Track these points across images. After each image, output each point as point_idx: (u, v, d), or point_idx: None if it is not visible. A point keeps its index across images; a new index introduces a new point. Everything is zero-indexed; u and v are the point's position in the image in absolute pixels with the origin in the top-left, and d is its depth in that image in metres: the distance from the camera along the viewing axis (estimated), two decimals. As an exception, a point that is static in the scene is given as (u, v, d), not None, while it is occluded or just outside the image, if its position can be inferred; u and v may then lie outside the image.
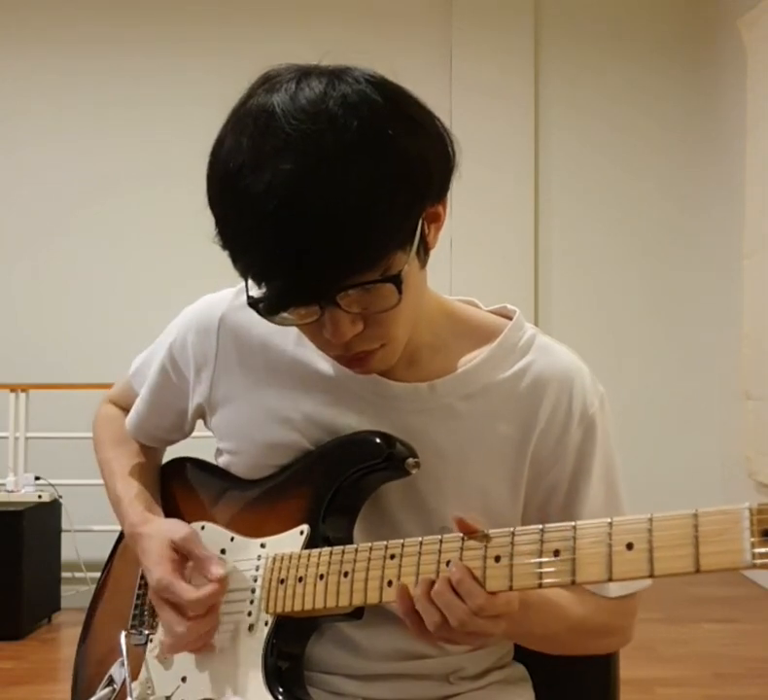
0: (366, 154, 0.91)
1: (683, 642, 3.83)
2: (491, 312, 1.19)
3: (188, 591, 1.10)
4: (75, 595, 4.31)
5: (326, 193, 0.91)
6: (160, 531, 1.17)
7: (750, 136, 4.62)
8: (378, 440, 1.07)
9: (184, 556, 1.14)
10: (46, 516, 4.24)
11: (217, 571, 1.11)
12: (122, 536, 1.35)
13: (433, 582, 0.94)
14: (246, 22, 5.12)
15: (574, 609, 1.09)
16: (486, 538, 0.93)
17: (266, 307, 0.97)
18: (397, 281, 0.96)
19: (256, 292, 0.98)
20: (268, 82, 0.97)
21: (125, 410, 1.33)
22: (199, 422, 1.26)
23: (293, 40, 4.97)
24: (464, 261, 4.75)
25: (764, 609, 4.24)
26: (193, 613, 1.10)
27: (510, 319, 1.16)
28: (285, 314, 0.98)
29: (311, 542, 1.08)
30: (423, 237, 1.00)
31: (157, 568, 1.13)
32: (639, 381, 5.05)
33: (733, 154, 4.85)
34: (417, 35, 5.18)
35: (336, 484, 1.09)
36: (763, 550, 0.74)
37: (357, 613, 1.05)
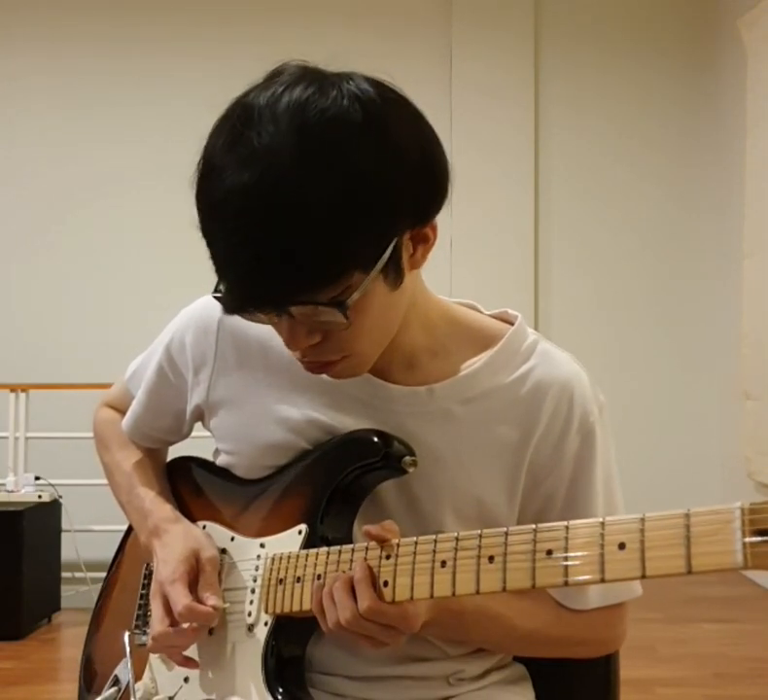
0: (327, 176, 0.91)
1: (683, 642, 3.83)
2: (492, 316, 1.18)
3: (184, 596, 1.10)
4: (75, 595, 4.31)
5: (277, 211, 0.91)
6: (192, 536, 1.17)
7: (750, 136, 4.62)
8: (375, 439, 1.07)
9: (197, 571, 1.14)
10: (46, 516, 4.24)
11: (213, 601, 1.11)
12: (128, 533, 1.36)
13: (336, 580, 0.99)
14: (246, 23, 5.12)
15: (523, 621, 1.11)
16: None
17: (224, 306, 1.00)
18: (342, 307, 0.95)
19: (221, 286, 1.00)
20: (270, 79, 0.98)
21: (123, 414, 1.33)
22: (198, 422, 1.26)
23: (293, 40, 4.98)
24: (464, 261, 4.75)
25: (764, 609, 4.24)
26: (179, 619, 1.10)
27: (512, 324, 1.16)
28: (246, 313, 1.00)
29: (309, 542, 1.08)
30: (396, 259, 0.99)
31: (175, 564, 1.13)
32: (638, 381, 5.05)
33: (733, 154, 4.85)
34: (417, 35, 5.18)
35: (334, 484, 1.09)
36: (754, 551, 0.73)
37: None
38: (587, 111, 5.23)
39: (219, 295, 0.99)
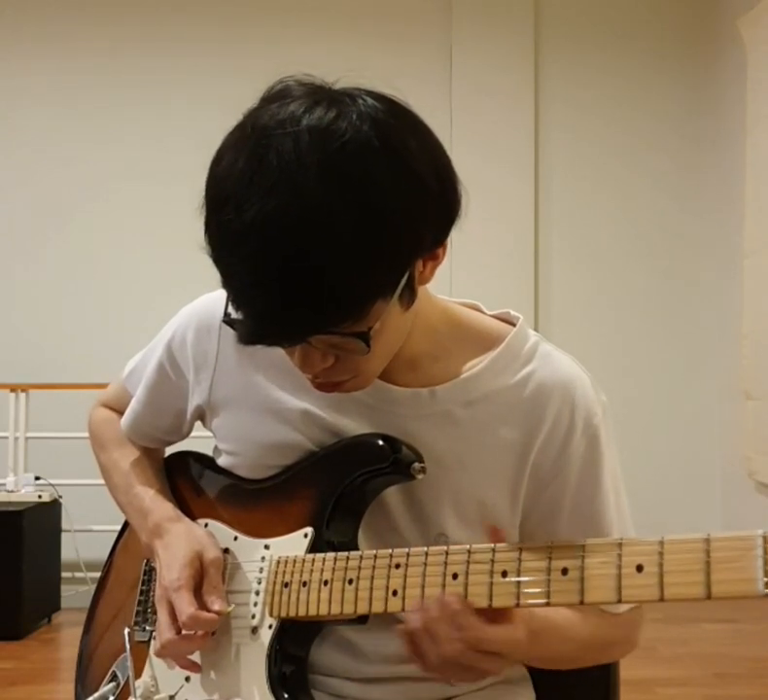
0: (352, 213, 0.89)
1: (683, 642, 3.83)
2: (494, 317, 1.18)
3: (189, 605, 1.09)
4: (75, 595, 4.31)
5: (302, 247, 0.89)
6: (194, 536, 1.16)
7: (749, 136, 4.61)
8: (383, 444, 1.07)
9: (202, 573, 1.13)
10: (46, 516, 4.24)
11: (219, 605, 1.10)
12: (123, 530, 1.35)
13: (428, 611, 0.94)
14: (247, 23, 5.11)
15: (579, 629, 1.09)
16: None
17: (240, 337, 0.98)
18: (365, 337, 0.95)
19: (234, 312, 0.97)
20: (279, 101, 0.95)
21: (120, 413, 1.32)
22: (198, 422, 1.26)
23: (294, 40, 4.98)
24: (464, 260, 4.74)
25: (764, 609, 4.23)
26: (183, 628, 1.09)
27: (514, 325, 1.15)
28: None
29: (315, 546, 1.08)
30: (411, 281, 0.98)
31: (179, 569, 1.12)
32: (638, 381, 5.05)
33: (733, 154, 4.84)
34: (417, 35, 5.17)
35: (341, 487, 1.08)
36: None
37: (362, 619, 1.05)
38: (587, 111, 5.22)
39: (229, 320, 0.97)
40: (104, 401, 1.38)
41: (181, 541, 1.15)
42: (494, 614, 0.93)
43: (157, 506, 1.22)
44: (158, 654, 1.14)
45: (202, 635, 1.10)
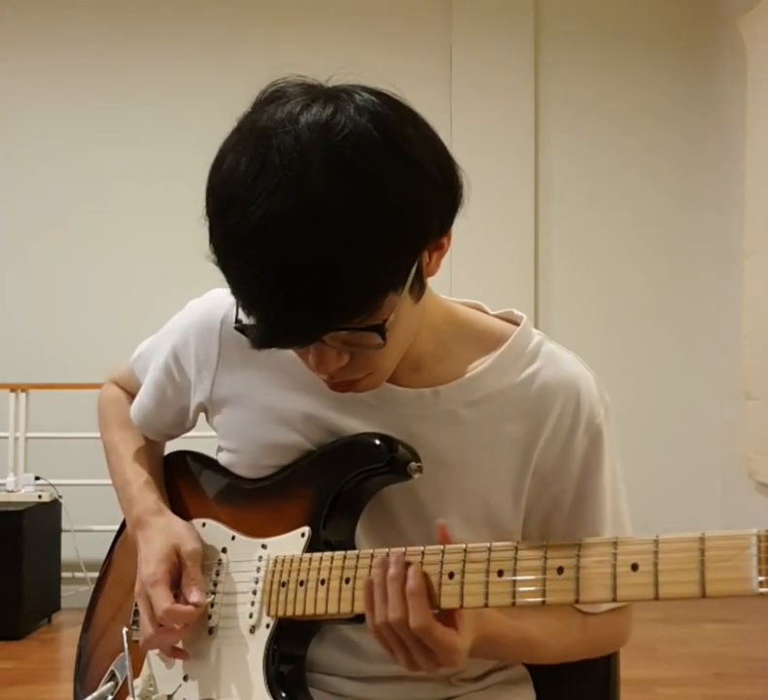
0: (359, 206, 0.89)
1: (683, 642, 3.83)
2: (497, 316, 1.18)
3: (164, 599, 1.10)
4: (75, 595, 4.31)
5: (312, 244, 0.89)
6: (172, 530, 1.17)
7: (749, 136, 4.62)
8: (380, 443, 1.07)
9: (179, 567, 1.14)
10: (46, 516, 4.24)
11: (196, 597, 1.11)
12: (121, 529, 1.36)
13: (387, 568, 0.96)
14: (247, 22, 5.12)
15: (555, 640, 1.11)
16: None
17: (253, 341, 0.97)
18: (380, 330, 0.95)
19: (244, 318, 0.97)
20: (274, 102, 0.95)
21: (128, 393, 1.35)
22: (201, 421, 1.26)
23: (294, 40, 4.98)
24: (464, 260, 4.74)
25: (764, 609, 4.23)
26: (161, 622, 1.10)
27: (517, 324, 1.15)
28: None
29: (312, 545, 1.08)
30: (419, 272, 0.98)
31: (155, 564, 1.13)
32: (639, 381, 5.05)
33: (733, 154, 4.85)
34: (417, 35, 5.17)
35: (337, 487, 1.08)
36: None
37: (359, 618, 1.05)
38: (587, 111, 5.22)
39: (241, 326, 0.97)
40: (115, 378, 1.40)
41: (159, 534, 1.16)
42: (441, 617, 0.95)
43: (142, 496, 1.23)
44: (143, 648, 1.15)
45: (182, 627, 1.11)
